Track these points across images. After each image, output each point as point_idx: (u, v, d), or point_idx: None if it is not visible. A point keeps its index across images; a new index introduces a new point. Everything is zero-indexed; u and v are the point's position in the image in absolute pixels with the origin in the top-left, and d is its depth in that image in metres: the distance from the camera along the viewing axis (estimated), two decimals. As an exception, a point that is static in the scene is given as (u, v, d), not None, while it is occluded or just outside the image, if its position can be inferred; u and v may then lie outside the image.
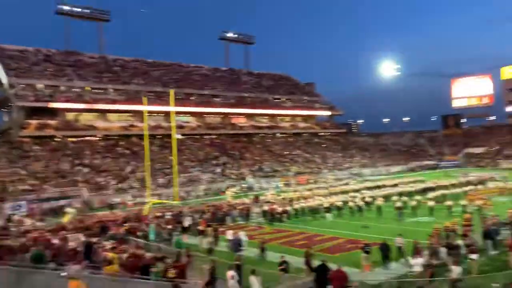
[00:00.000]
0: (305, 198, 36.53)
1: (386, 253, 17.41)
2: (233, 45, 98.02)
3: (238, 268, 14.38)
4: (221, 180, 54.38)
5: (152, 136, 59.20)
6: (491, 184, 40.31)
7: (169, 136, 49.31)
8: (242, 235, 21.34)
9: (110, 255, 14.51)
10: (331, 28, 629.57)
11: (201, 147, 66.23)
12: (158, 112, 66.95)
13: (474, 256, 15.85)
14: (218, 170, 57.82)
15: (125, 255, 15.08)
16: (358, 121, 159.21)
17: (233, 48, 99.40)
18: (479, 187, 39.25)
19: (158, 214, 30.18)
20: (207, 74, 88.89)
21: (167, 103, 49.92)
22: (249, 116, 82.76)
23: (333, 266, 13.43)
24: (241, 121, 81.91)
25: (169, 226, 24.97)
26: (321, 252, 19.20)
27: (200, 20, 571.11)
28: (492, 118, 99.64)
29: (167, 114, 63.57)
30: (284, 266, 14.90)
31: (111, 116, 65.58)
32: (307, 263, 15.33)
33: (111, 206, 39.02)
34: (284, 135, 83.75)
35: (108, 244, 17.72)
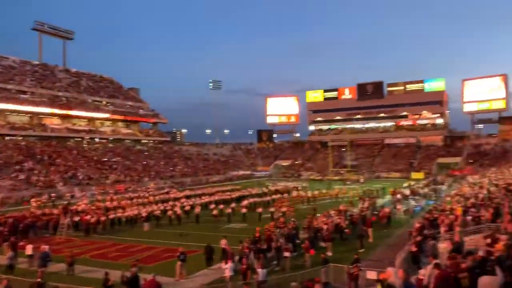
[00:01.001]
0: (122, 207, 34.97)
1: (210, 255, 18.29)
2: (48, 38, 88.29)
3: (39, 287, 12.79)
4: (26, 188, 47.93)
5: None
6: (294, 193, 45.57)
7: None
8: (47, 249, 19.10)
9: None
10: (158, 34, 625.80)
11: (1, 150, 57.19)
12: None
13: (287, 254, 18.25)
14: (22, 176, 50.83)
15: None
16: (182, 130, 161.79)
17: (48, 42, 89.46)
18: (285, 195, 44.04)
19: None
20: (13, 67, 77.73)
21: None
22: (63, 117, 75.36)
23: (148, 276, 13.14)
24: (54, 122, 74.05)
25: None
26: (137, 263, 18.59)
27: (10, 3, 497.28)
28: (297, 135, 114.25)
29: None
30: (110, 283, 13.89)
31: None
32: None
33: None
34: (104, 140, 79.03)
35: None
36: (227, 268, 15.67)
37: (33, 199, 41.06)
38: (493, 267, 8.40)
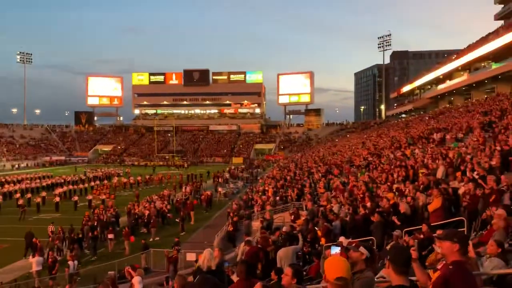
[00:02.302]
0: None
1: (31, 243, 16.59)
2: None
3: None
4: None
5: None
6: (115, 179, 43.58)
7: None
8: None
9: None
10: None
11: None
12: None
13: (111, 236, 18.65)
14: None
15: None
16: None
17: None
18: (105, 182, 41.76)
19: None
20: None
21: None
22: None
23: None
24: None
25: None
26: None
27: None
28: (121, 118, 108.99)
29: None
30: None
31: None
32: None
33: None
34: None
35: None
36: (33, 262, 14.08)
37: None
38: (295, 239, 9.62)
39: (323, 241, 10.13)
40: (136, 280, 8.29)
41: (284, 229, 10.75)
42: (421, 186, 11.69)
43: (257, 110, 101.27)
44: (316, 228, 11.00)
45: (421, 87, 68.14)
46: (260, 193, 24.66)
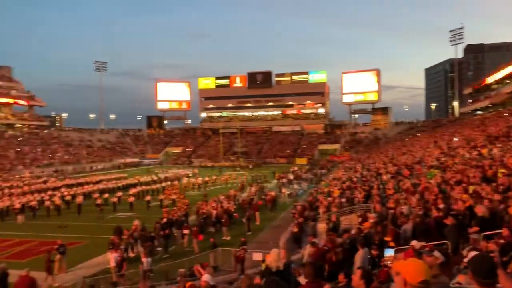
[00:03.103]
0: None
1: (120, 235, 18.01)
2: None
3: None
4: None
5: None
6: (185, 180, 45.26)
7: None
8: None
9: None
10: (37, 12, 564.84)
11: None
12: None
13: (186, 232, 19.68)
14: None
15: None
16: (62, 115, 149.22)
17: None
18: (175, 183, 43.52)
19: None
20: None
21: None
22: None
23: (20, 273, 11.95)
24: None
25: None
26: (6, 259, 16.82)
27: None
28: (189, 121, 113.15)
29: None
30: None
31: None
32: None
33: None
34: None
35: None
36: (112, 259, 15.02)
37: None
38: (362, 242, 9.38)
39: (392, 244, 9.80)
40: (206, 277, 8.58)
41: (351, 231, 10.54)
42: (501, 188, 10.89)
43: (321, 110, 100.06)
44: (385, 231, 10.65)
45: (500, 81, 63.33)
46: (325, 195, 24.36)
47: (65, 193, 33.54)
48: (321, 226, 17.08)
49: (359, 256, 7.70)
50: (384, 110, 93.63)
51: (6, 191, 35.98)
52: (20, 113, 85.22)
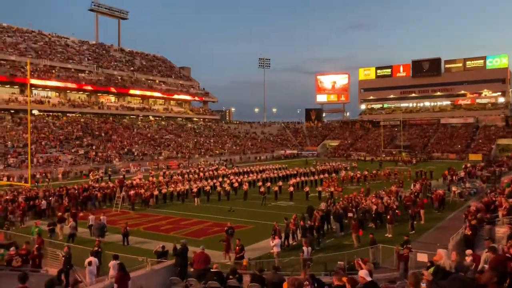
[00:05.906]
0: (174, 182, 36.12)
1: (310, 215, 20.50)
2: (104, 18, 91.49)
3: (97, 254, 13.59)
4: (85, 162, 50.68)
5: (4, 110, 53.21)
6: (343, 173, 44.87)
7: (25, 111, 44.46)
8: (104, 220, 20.32)
9: None
10: (208, 16, 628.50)
11: (62, 126, 60.62)
12: (11, 84, 59.38)
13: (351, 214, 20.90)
14: (82, 151, 53.72)
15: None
16: (231, 109, 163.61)
17: (104, 22, 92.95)
18: (333, 175, 43.49)
19: (8, 197, 26.81)
20: (72, 47, 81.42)
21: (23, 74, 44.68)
22: (119, 95, 78.46)
23: (196, 249, 13.49)
24: (110, 100, 77.29)
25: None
26: (186, 236, 19.23)
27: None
28: (347, 114, 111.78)
29: (23, 86, 57.62)
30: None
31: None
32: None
33: None
34: (157, 118, 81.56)
35: None
36: (275, 245, 15.81)
37: (91, 173, 43.48)
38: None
39: None
40: (362, 273, 8.32)
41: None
42: None
43: (501, 100, 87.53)
44: None
45: None
46: (506, 196, 21.23)
47: (233, 180, 36.66)
48: (501, 231, 14.98)
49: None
50: None
51: (186, 176, 41.16)
52: (197, 108, 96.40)
